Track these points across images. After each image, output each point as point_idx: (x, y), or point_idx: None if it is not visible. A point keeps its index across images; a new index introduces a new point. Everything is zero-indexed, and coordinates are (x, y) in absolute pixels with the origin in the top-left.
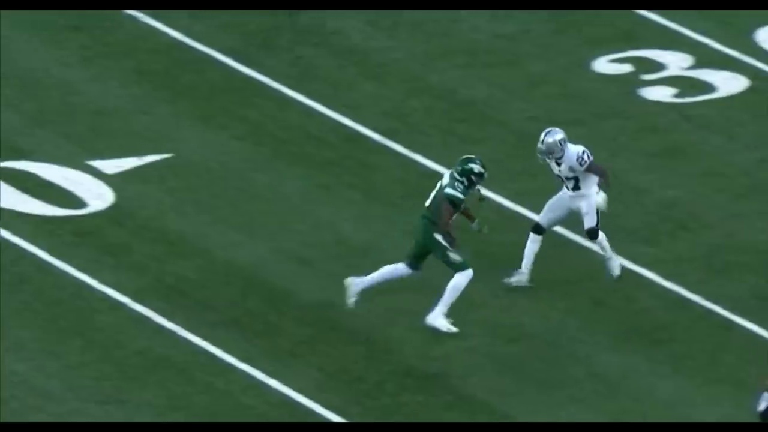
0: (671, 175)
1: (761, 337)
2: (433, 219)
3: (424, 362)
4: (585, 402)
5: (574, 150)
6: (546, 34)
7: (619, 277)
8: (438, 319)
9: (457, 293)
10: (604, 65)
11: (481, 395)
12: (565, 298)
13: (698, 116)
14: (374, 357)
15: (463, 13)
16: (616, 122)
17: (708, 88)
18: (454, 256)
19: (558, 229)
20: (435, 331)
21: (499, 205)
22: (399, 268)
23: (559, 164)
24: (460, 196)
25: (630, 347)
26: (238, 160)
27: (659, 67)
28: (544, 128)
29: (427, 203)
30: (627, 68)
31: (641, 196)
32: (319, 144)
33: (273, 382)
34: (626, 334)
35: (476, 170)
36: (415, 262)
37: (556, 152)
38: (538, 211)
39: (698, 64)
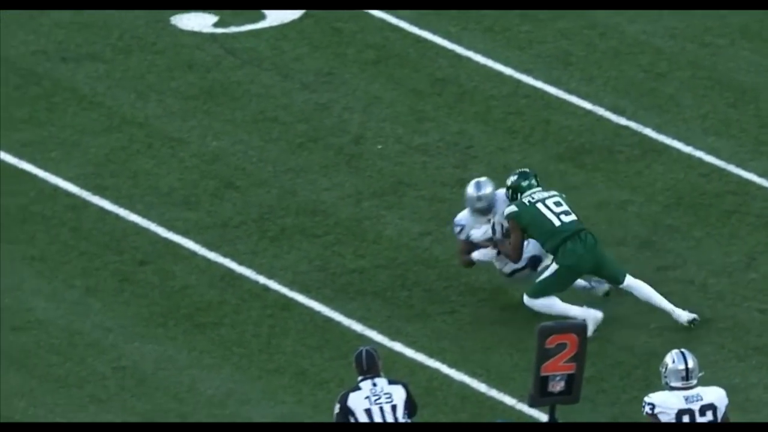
0: (213, 123)
1: (323, 317)
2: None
3: None
4: (110, 402)
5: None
6: None
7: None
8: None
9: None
10: None
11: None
12: (85, 275)
13: (244, 49)
14: None
15: None
16: (142, 57)
17: (254, 15)
18: None
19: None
20: None
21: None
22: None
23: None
24: None
25: (166, 333)
26: None
27: None
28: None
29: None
30: None
31: (177, 148)
32: None
33: None
34: (161, 317)
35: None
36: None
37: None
38: (41, 165)
39: None
